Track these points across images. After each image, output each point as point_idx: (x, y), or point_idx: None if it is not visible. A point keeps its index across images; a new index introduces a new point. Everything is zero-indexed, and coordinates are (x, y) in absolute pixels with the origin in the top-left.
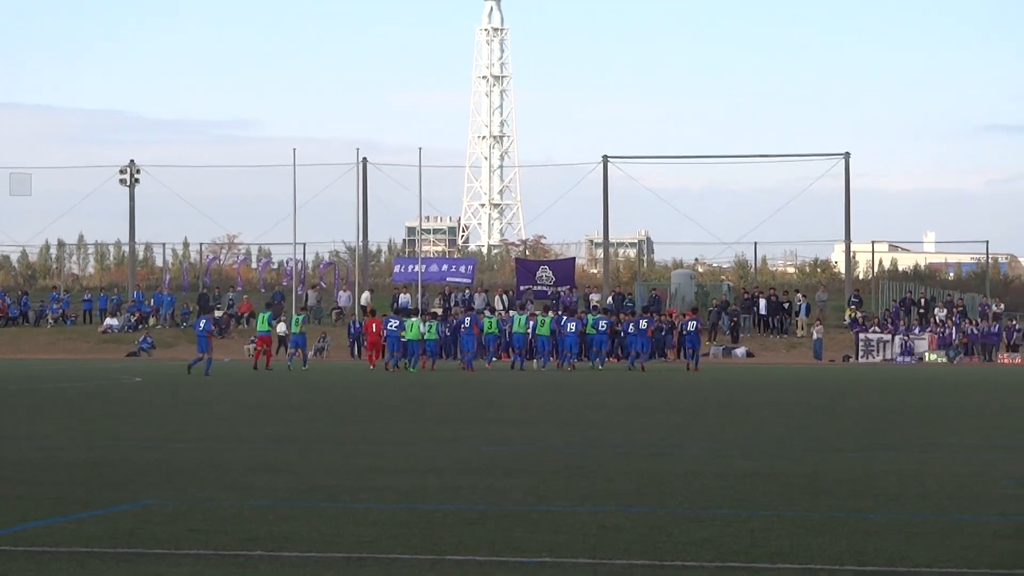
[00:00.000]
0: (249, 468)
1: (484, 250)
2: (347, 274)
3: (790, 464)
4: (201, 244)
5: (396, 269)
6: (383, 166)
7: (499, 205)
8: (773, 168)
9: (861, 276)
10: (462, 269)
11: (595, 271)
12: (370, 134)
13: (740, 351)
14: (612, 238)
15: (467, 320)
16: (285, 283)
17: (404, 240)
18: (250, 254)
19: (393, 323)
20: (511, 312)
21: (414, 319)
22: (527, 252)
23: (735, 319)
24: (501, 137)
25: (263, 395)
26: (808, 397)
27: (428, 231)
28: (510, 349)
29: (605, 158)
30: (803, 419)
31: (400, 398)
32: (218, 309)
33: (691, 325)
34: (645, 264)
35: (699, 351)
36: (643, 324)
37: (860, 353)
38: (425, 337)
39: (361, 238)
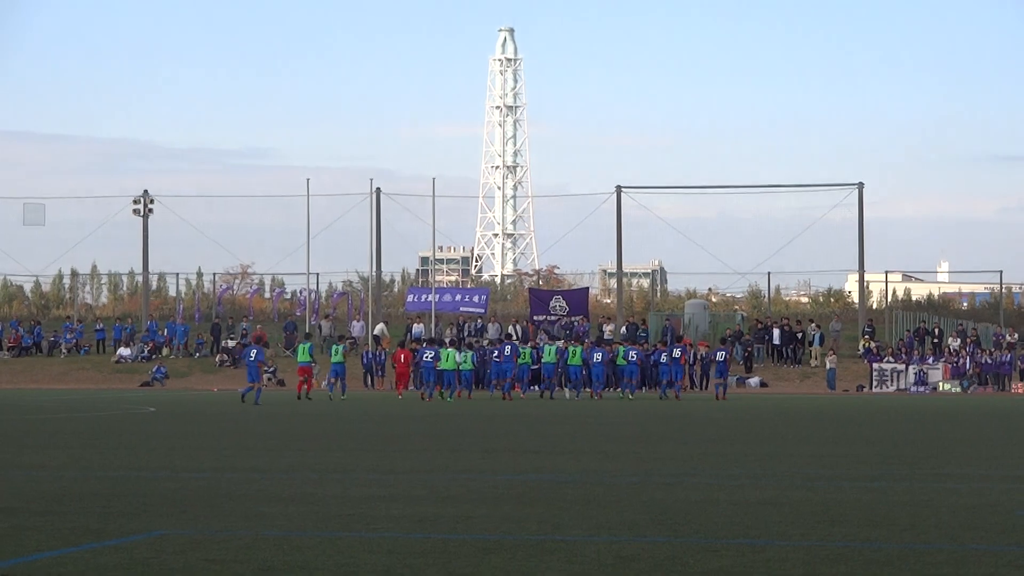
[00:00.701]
0: (264, 498)
1: (497, 280)
2: (360, 304)
3: (804, 493)
4: (215, 274)
5: (409, 299)
6: (397, 196)
7: (512, 235)
8: (786, 198)
9: (875, 306)
10: (475, 299)
11: (608, 301)
12: (384, 164)
13: (754, 381)
14: (626, 268)
15: (507, 349)
16: (299, 313)
17: (418, 270)
18: (263, 284)
19: (428, 353)
20: (537, 342)
21: (450, 349)
22: (540, 282)
23: (749, 349)
24: (514, 167)
25: (279, 425)
26: (822, 427)
27: (441, 261)
28: (526, 380)
29: (618, 188)
30: (817, 448)
31: (417, 428)
32: (231, 339)
33: (719, 356)
34: (659, 294)
35: (725, 379)
36: (676, 353)
37: (874, 383)
38: (461, 367)
39: (374, 268)
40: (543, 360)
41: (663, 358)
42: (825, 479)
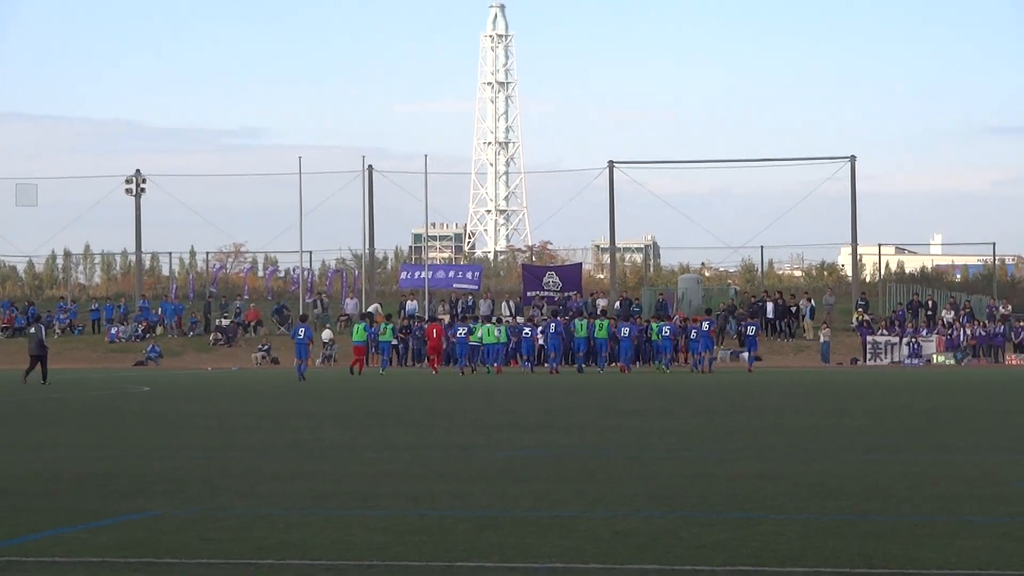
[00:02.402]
0: (260, 477)
1: (490, 256)
2: (354, 281)
3: (800, 466)
4: (207, 253)
5: (403, 276)
6: (389, 173)
7: (505, 211)
8: (779, 172)
9: (868, 279)
10: (468, 275)
11: (602, 276)
12: (376, 141)
13: (746, 355)
14: (619, 243)
15: (552, 325)
16: (292, 291)
17: (410, 247)
18: (256, 262)
19: (461, 329)
20: (519, 319)
21: (488, 324)
22: (533, 258)
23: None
24: (507, 143)
25: (276, 403)
26: (816, 400)
27: (434, 238)
28: (553, 353)
29: (611, 163)
30: (812, 422)
31: (415, 405)
32: (224, 318)
33: (705, 325)
34: (652, 269)
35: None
36: (705, 326)
37: (868, 356)
38: (498, 341)
39: (367, 245)
40: (575, 335)
41: (692, 334)
42: (820, 452)
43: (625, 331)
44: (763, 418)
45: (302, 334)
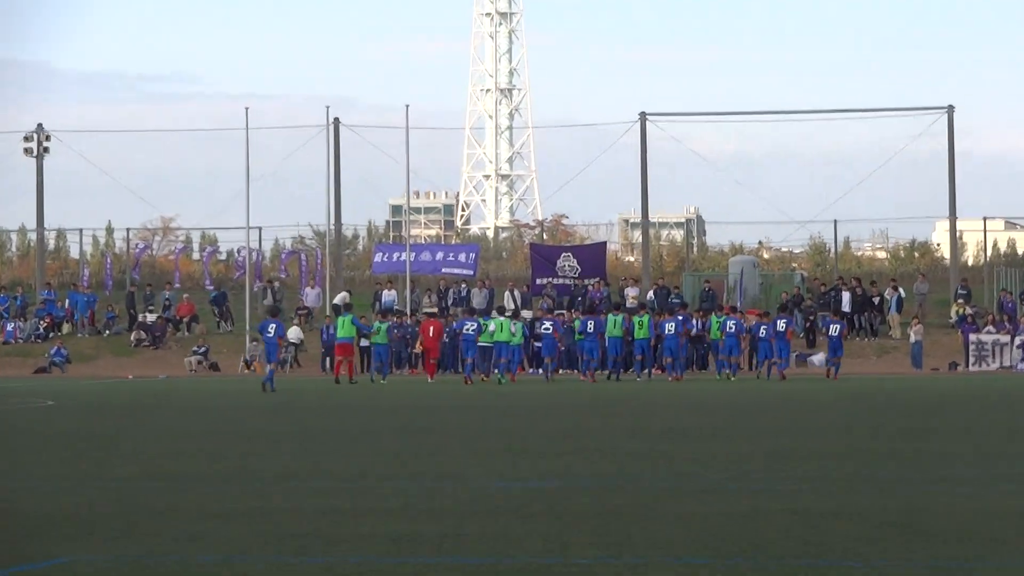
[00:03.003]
0: (197, 513)
1: (490, 234)
2: (316, 266)
3: (879, 500)
4: (128, 230)
5: (377, 259)
6: (360, 129)
7: (508, 177)
8: (857, 127)
9: (970, 262)
10: (462, 258)
11: (631, 259)
12: (343, 90)
13: (818, 358)
14: (653, 217)
15: (590, 324)
16: (237, 278)
17: (388, 222)
18: (191, 242)
19: (470, 326)
20: (578, 313)
21: (501, 319)
22: (545, 236)
23: (811, 318)
24: (510, 91)
25: (217, 420)
26: (903, 416)
27: (418, 210)
28: (582, 357)
29: (643, 116)
30: (896, 444)
31: (397, 422)
32: (150, 312)
33: (781, 324)
34: (695, 249)
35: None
36: (782, 325)
37: (971, 360)
38: (513, 341)
39: (333, 220)
40: (607, 334)
41: (761, 331)
42: (907, 482)
43: (671, 327)
44: (833, 439)
45: (272, 331)
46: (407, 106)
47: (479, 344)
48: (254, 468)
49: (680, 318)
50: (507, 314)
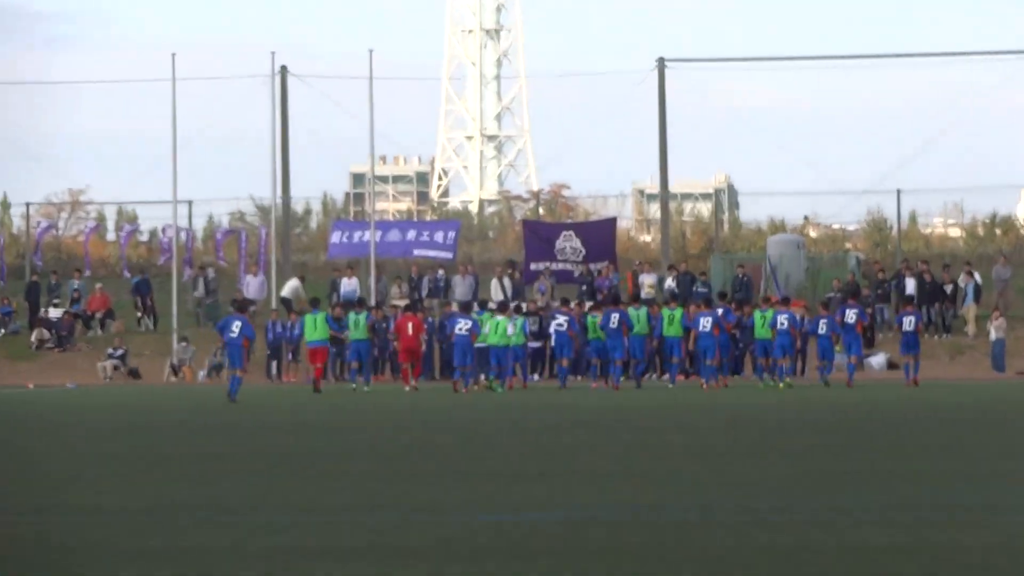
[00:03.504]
0: (112, 553)
1: (473, 208)
2: (259, 248)
3: (952, 534)
4: (28, 205)
5: (334, 239)
6: (313, 80)
7: (496, 138)
8: (924, 75)
9: None
10: (438, 238)
11: (647, 238)
12: (292, 33)
13: (878, 360)
14: (675, 187)
15: (614, 317)
16: (162, 263)
17: (348, 194)
18: (105, 219)
19: (463, 324)
20: (599, 308)
21: (499, 317)
22: (541, 211)
23: (870, 310)
24: (497, 32)
25: (141, 438)
26: (979, 430)
27: (385, 180)
28: (596, 361)
29: (661, 62)
30: (969, 464)
31: (366, 440)
32: (55, 306)
33: (851, 316)
34: (726, 227)
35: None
36: (852, 316)
37: None
38: (512, 342)
39: (279, 192)
40: (630, 331)
41: (820, 327)
42: (983, 510)
43: (706, 323)
44: (896, 459)
45: (237, 330)
46: (371, 51)
47: (476, 346)
48: (184, 500)
49: (720, 311)
50: (505, 309)
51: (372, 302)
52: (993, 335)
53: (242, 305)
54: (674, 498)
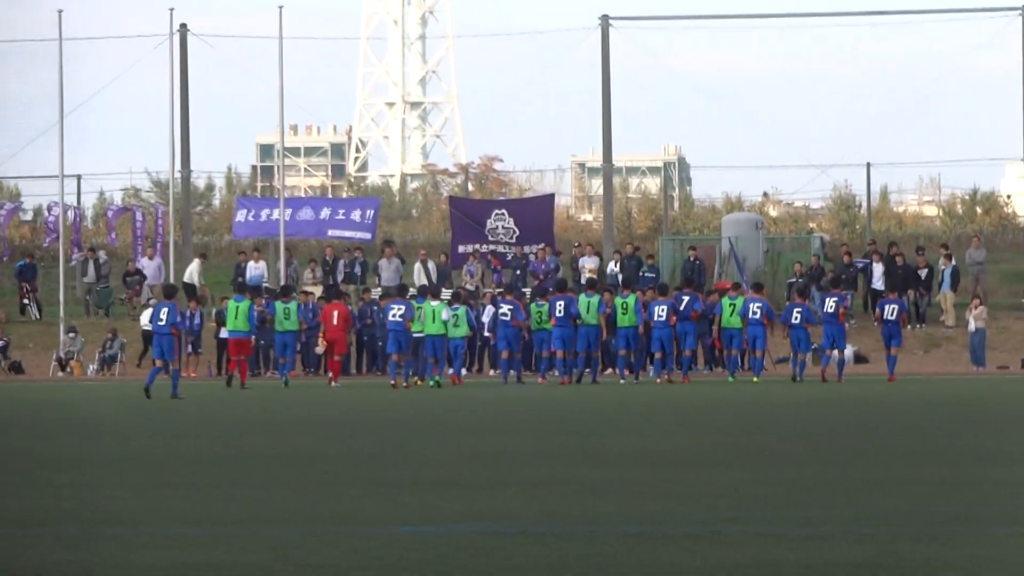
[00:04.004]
0: None
1: (394, 184)
2: (156, 227)
3: (926, 549)
4: None
5: (239, 218)
6: (215, 39)
7: (420, 105)
8: (898, 37)
9: None
10: (355, 216)
11: (588, 217)
12: None
13: (844, 353)
14: (620, 160)
15: (559, 305)
16: (47, 243)
17: (255, 168)
18: None
19: (396, 309)
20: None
21: (434, 303)
22: (471, 187)
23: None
24: None
25: (34, 439)
26: (959, 432)
27: (296, 152)
28: (563, 352)
29: (605, 20)
30: (948, 471)
31: (279, 443)
32: None
33: (831, 305)
34: (676, 203)
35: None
36: (831, 305)
37: None
38: (451, 333)
39: (179, 166)
40: (578, 321)
41: (795, 316)
42: (964, 523)
43: (662, 312)
44: (867, 465)
45: (164, 318)
46: (280, 8)
47: (412, 335)
48: (67, 509)
49: (686, 298)
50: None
51: (281, 284)
52: (972, 326)
53: (170, 291)
54: (617, 509)
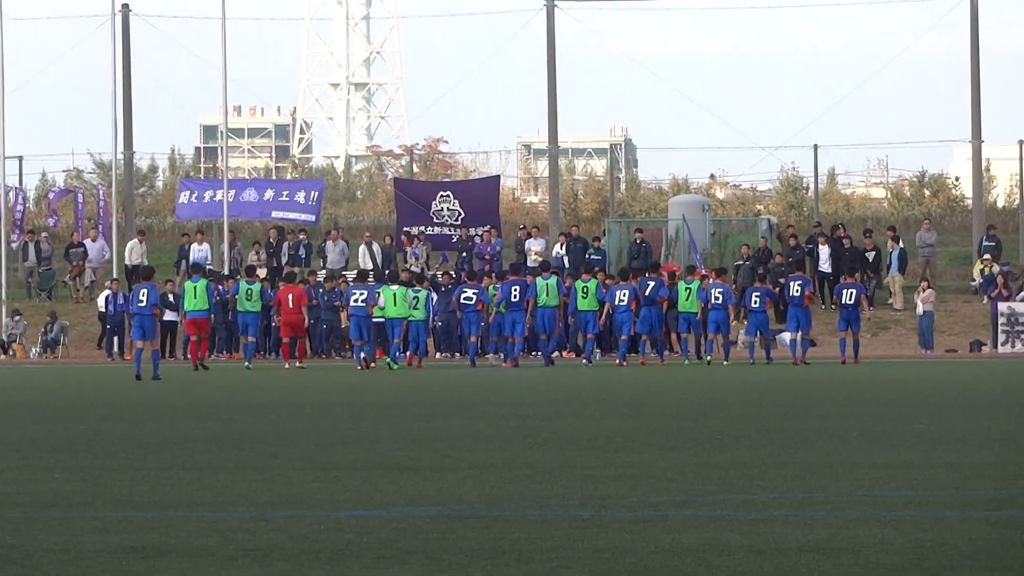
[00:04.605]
0: None
1: (339, 166)
2: (99, 210)
3: (881, 530)
4: None
5: (182, 199)
6: (157, 20)
7: (365, 86)
8: (845, 19)
9: (1000, 202)
10: (299, 198)
11: (534, 199)
12: None
13: (790, 337)
14: (565, 141)
15: (514, 290)
16: None
17: (198, 149)
18: None
19: (358, 294)
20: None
21: (394, 287)
22: (416, 169)
23: (780, 281)
24: None
25: None
26: (908, 417)
27: (240, 133)
28: (515, 338)
29: (551, 2)
30: (898, 455)
31: (224, 426)
32: None
33: (796, 288)
34: (624, 186)
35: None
36: (796, 288)
37: (1000, 338)
38: (412, 316)
39: (121, 147)
40: (538, 303)
41: (754, 300)
42: (916, 506)
43: (623, 296)
44: (811, 450)
45: (145, 299)
46: None
47: (373, 319)
48: (10, 492)
49: (651, 283)
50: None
51: (225, 270)
52: (920, 309)
53: (148, 272)
54: (567, 492)
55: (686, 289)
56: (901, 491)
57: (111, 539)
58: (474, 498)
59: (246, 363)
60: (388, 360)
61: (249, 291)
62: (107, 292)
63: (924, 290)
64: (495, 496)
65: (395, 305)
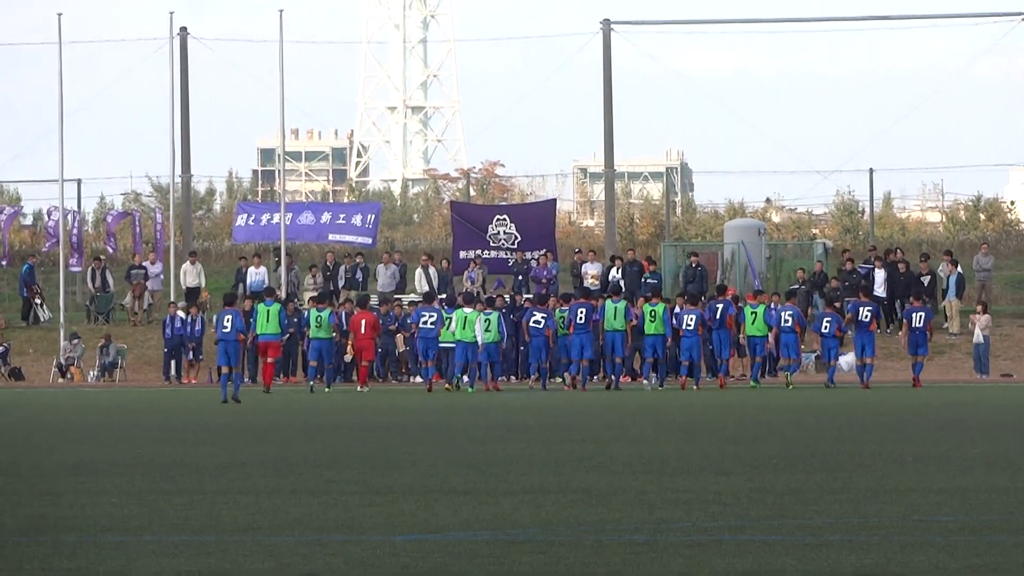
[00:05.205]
0: None
1: (396, 189)
2: (156, 232)
3: (929, 556)
4: None
5: (239, 222)
6: (216, 43)
7: (422, 110)
8: (900, 42)
9: None
10: (356, 221)
11: (590, 222)
12: None
13: (847, 360)
14: (621, 165)
15: (580, 312)
16: (47, 248)
17: (256, 172)
18: None
19: (427, 317)
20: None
21: (467, 310)
22: (472, 192)
23: (837, 305)
24: None
25: (36, 446)
26: (964, 440)
27: (298, 156)
28: (586, 361)
29: (606, 25)
30: (953, 478)
31: (283, 448)
32: None
33: (866, 314)
34: (679, 209)
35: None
36: (866, 315)
37: None
38: (484, 340)
39: (179, 170)
40: (605, 327)
41: (824, 325)
42: (970, 531)
43: (690, 320)
44: (866, 473)
45: (228, 325)
46: (280, 11)
47: (440, 343)
48: (67, 516)
49: (719, 306)
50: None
51: (283, 293)
52: (977, 334)
53: (230, 298)
54: (622, 517)
55: (752, 313)
56: (956, 516)
57: (167, 563)
58: (529, 522)
59: (326, 387)
60: (456, 380)
61: (319, 318)
62: (179, 314)
63: (980, 314)
64: (550, 520)
65: (465, 329)
